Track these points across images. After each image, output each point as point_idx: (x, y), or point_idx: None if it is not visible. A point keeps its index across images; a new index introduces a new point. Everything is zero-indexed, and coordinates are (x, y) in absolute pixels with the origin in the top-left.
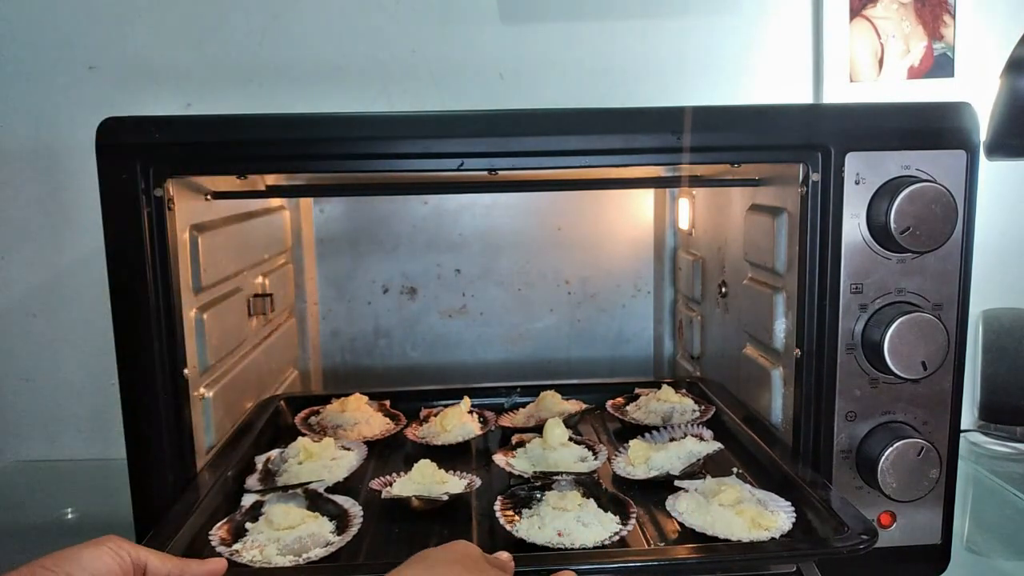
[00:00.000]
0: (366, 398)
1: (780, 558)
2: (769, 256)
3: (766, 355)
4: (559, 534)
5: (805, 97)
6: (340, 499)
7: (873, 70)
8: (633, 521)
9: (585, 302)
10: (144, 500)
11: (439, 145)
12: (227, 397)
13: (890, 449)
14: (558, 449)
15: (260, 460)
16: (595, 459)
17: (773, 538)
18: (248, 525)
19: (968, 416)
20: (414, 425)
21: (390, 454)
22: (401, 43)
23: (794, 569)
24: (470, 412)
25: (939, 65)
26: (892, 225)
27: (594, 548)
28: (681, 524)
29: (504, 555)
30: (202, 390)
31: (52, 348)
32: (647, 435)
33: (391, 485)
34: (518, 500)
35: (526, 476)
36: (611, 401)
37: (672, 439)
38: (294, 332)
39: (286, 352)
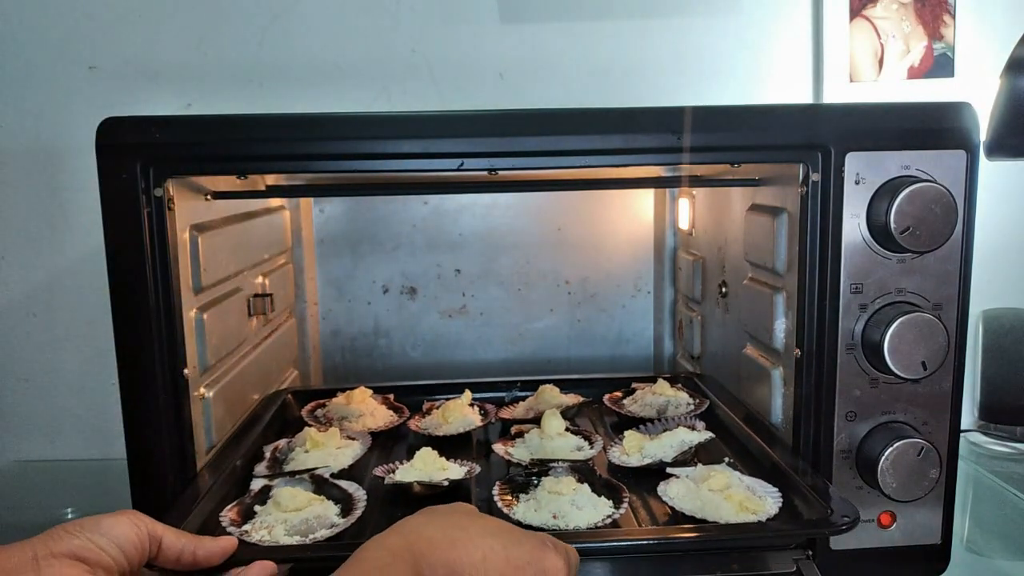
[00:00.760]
0: (370, 392)
1: (764, 538)
2: (769, 256)
3: (766, 355)
4: (554, 516)
5: (805, 97)
6: (345, 484)
7: (873, 70)
8: (626, 505)
9: (585, 302)
10: (144, 500)
11: (439, 145)
12: (227, 397)
13: (890, 449)
14: (555, 439)
15: (268, 449)
16: (591, 448)
17: (759, 520)
18: (257, 508)
19: (968, 416)
20: (417, 417)
21: (393, 444)
22: (401, 43)
23: (794, 569)
24: (471, 405)
25: (939, 65)
26: (892, 225)
27: (587, 529)
28: (672, 508)
29: None
30: (202, 390)
31: (52, 348)
32: (642, 426)
33: (394, 472)
34: (516, 485)
35: (524, 464)
36: (608, 395)
37: (666, 430)
38: (294, 332)
39: (286, 352)
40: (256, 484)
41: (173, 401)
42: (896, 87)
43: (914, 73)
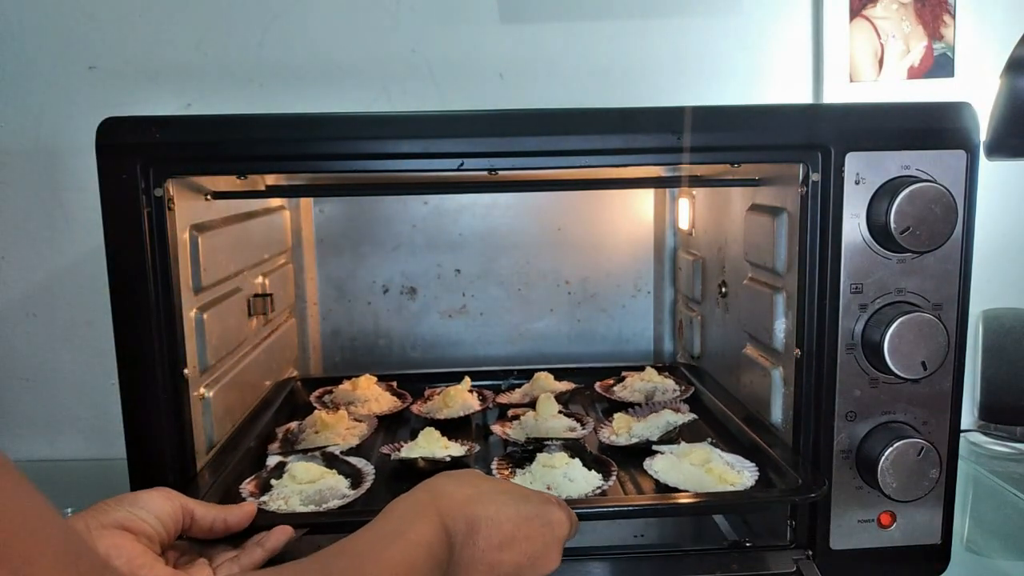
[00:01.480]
0: (375, 379)
1: (737, 504)
2: (769, 256)
3: (766, 355)
4: (548, 488)
5: (805, 97)
6: (354, 460)
7: (873, 70)
8: (614, 478)
9: (585, 302)
10: None
11: (439, 145)
12: (227, 397)
13: (890, 449)
14: (550, 420)
15: (280, 431)
16: (583, 429)
17: (735, 490)
18: (273, 481)
19: (968, 416)
20: (419, 402)
21: (397, 427)
22: (401, 43)
23: (794, 569)
24: (470, 391)
25: (939, 65)
26: (892, 225)
27: (577, 498)
28: (656, 480)
29: None
30: (202, 390)
31: (52, 348)
32: (631, 410)
33: (399, 449)
34: (513, 461)
35: (520, 442)
36: (600, 382)
37: (653, 412)
38: (294, 332)
39: (286, 352)
40: (272, 460)
41: (173, 401)
42: (896, 87)
43: (914, 73)
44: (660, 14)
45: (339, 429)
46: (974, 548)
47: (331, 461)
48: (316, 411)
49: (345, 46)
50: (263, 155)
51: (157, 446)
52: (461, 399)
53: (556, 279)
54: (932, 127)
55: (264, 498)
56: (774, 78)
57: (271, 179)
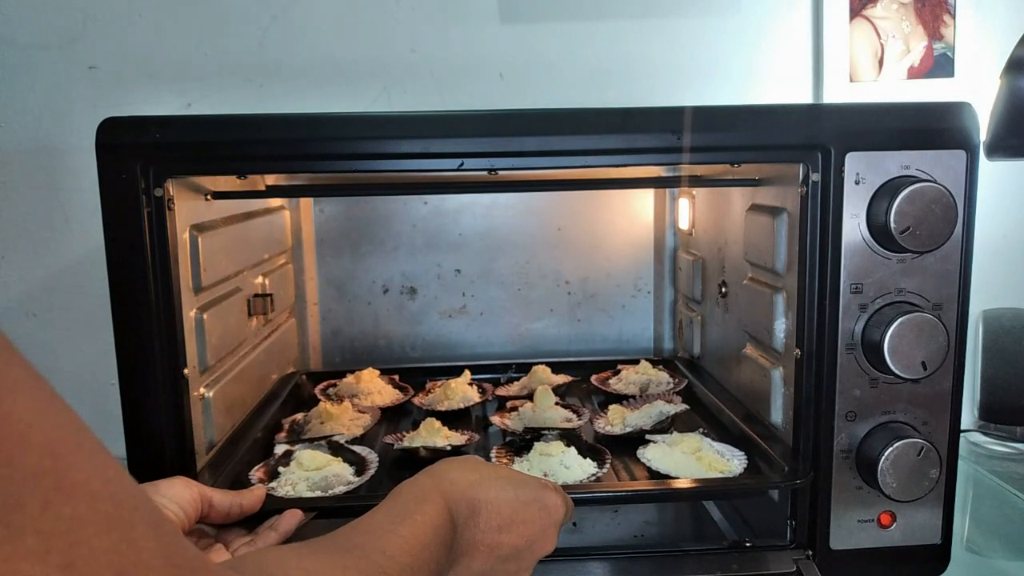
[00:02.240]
0: (378, 372)
1: (725, 489)
2: (769, 256)
3: (766, 355)
4: (544, 474)
5: (805, 97)
6: (358, 448)
7: (873, 70)
8: (608, 465)
9: (585, 302)
10: None
11: (439, 145)
12: (227, 397)
13: (890, 449)
14: (547, 411)
15: (286, 421)
16: (579, 420)
17: (724, 476)
18: (281, 468)
19: (968, 416)
20: (420, 395)
21: (400, 419)
22: (401, 43)
23: (794, 569)
24: (470, 384)
25: (939, 65)
26: (892, 225)
27: (573, 484)
28: (649, 468)
29: None
30: (202, 390)
31: (51, 348)
32: (625, 402)
33: (402, 439)
34: (511, 450)
35: (518, 432)
36: (596, 376)
37: (647, 403)
38: (294, 332)
39: (286, 352)
40: (279, 449)
41: (173, 401)
42: (896, 87)
43: (914, 73)
44: (660, 14)
45: (344, 420)
46: (974, 548)
47: (336, 449)
48: (321, 403)
49: (345, 46)
50: (263, 155)
51: (157, 446)
52: (461, 391)
53: (556, 279)
54: (932, 127)
55: (272, 484)
56: (774, 78)
57: (271, 179)
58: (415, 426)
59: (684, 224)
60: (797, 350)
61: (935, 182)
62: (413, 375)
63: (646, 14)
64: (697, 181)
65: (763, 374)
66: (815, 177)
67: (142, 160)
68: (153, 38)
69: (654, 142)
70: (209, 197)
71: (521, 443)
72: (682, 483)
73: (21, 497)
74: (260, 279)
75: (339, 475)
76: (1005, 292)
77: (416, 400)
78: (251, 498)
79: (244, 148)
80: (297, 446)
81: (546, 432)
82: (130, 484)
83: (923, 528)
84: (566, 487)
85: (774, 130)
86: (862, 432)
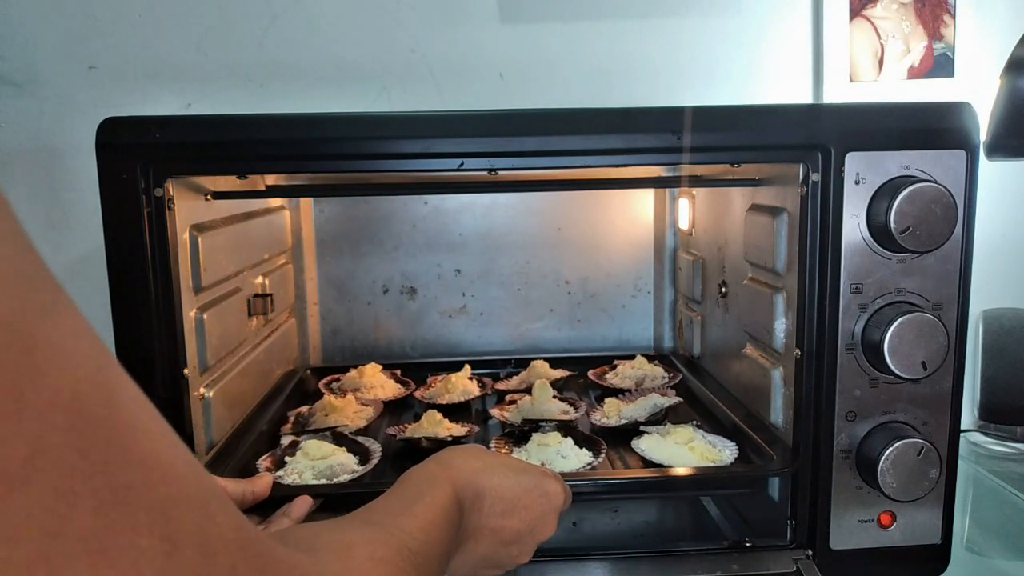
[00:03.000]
0: (380, 367)
1: (716, 478)
2: (769, 256)
3: (766, 355)
4: (542, 464)
5: (805, 97)
6: (362, 439)
7: (873, 70)
8: (603, 455)
9: (585, 302)
10: None
11: (439, 145)
12: (227, 397)
13: (890, 449)
14: (545, 404)
15: (292, 414)
16: (576, 412)
17: (715, 465)
18: (287, 458)
19: (968, 416)
20: (422, 389)
21: (402, 412)
22: (401, 43)
23: (794, 569)
24: (470, 378)
25: (939, 65)
26: (892, 225)
27: (570, 472)
28: (642, 457)
29: None
30: (202, 390)
31: None
32: (621, 395)
33: (404, 430)
34: (510, 441)
35: (516, 424)
36: (593, 370)
37: (642, 396)
38: (294, 332)
39: (286, 352)
40: (285, 440)
41: (173, 401)
42: (896, 87)
43: (914, 73)
44: (660, 14)
45: (347, 412)
46: (974, 548)
47: (340, 440)
48: (325, 396)
49: (345, 46)
50: (263, 155)
51: None
52: (462, 385)
53: (556, 279)
54: (932, 127)
55: (279, 473)
56: (774, 78)
57: (271, 179)
58: (417, 419)
59: (684, 224)
60: (797, 350)
61: (935, 182)
62: (414, 371)
63: (646, 14)
64: (697, 181)
65: (763, 374)
66: (815, 177)
67: (142, 160)
68: (153, 38)
69: (654, 142)
70: (209, 197)
71: (520, 434)
72: (675, 471)
73: (131, 478)
74: (260, 279)
75: (344, 464)
76: (1005, 292)
77: (417, 394)
78: (260, 484)
79: (244, 148)
80: (303, 437)
81: (544, 424)
82: (198, 463)
83: (923, 528)
84: (563, 475)
85: (774, 130)
86: (862, 432)
